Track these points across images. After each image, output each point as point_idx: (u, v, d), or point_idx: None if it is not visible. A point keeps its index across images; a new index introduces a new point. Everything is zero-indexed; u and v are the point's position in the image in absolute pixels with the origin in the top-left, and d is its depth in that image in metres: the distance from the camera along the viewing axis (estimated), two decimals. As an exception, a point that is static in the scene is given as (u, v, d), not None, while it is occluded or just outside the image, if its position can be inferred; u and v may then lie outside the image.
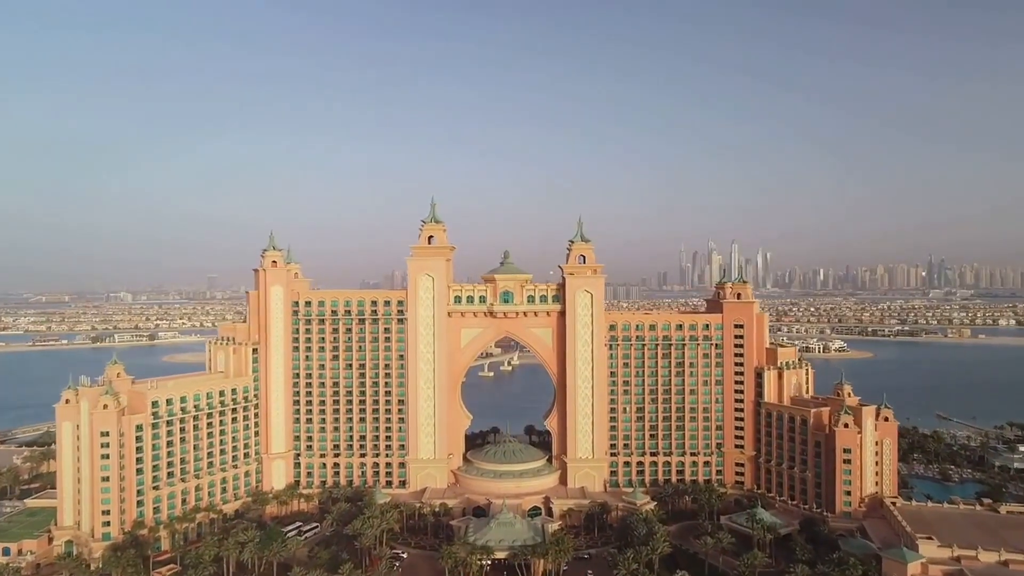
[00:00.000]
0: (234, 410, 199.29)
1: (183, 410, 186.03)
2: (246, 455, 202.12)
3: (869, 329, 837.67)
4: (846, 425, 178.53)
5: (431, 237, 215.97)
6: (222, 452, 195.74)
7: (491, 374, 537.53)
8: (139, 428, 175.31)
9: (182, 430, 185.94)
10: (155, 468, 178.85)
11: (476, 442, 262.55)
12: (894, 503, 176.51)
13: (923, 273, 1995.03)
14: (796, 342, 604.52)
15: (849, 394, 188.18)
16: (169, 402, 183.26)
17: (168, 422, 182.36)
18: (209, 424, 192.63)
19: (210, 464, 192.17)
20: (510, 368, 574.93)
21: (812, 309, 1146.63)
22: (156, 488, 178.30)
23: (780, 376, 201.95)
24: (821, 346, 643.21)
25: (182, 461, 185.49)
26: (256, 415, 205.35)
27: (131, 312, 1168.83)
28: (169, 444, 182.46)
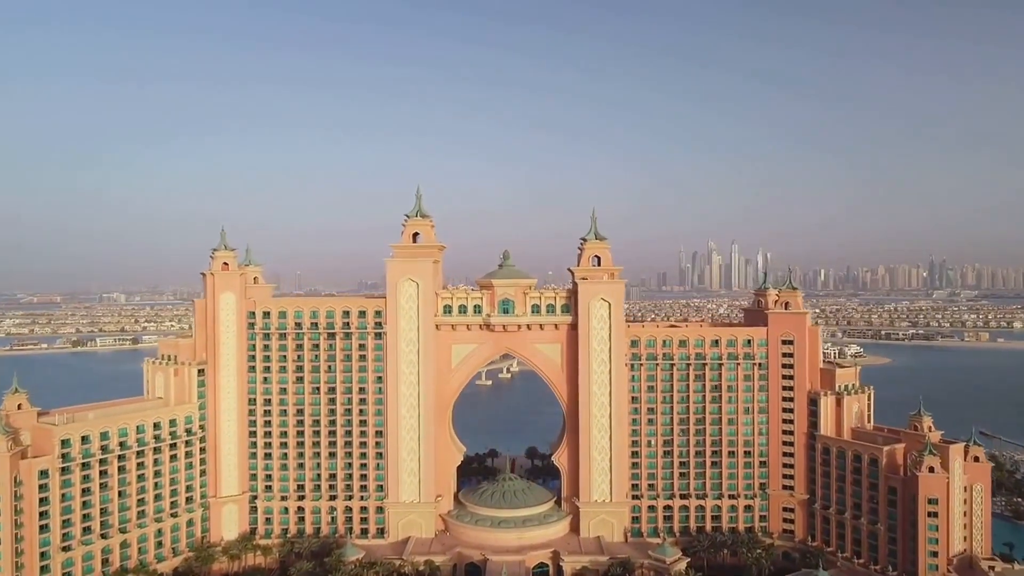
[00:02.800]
0: (173, 445, 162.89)
1: (104, 449, 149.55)
2: (189, 500, 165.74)
3: (882, 332, 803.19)
4: (931, 469, 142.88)
5: (416, 234, 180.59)
6: (157, 498, 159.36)
7: (489, 382, 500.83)
8: (44, 474, 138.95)
9: (103, 474, 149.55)
10: (66, 523, 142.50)
11: (471, 466, 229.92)
12: (992, 567, 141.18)
13: (924, 274, 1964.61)
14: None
15: (930, 428, 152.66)
16: (86, 440, 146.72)
17: (84, 465, 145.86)
18: (140, 465, 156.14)
19: (141, 514, 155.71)
20: (509, 376, 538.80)
21: (818, 311, 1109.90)
22: (67, 549, 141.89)
23: (839, 403, 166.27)
24: (836, 351, 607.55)
25: (103, 512, 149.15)
26: (202, 451, 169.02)
27: (121, 314, 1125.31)
28: (86, 492, 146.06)
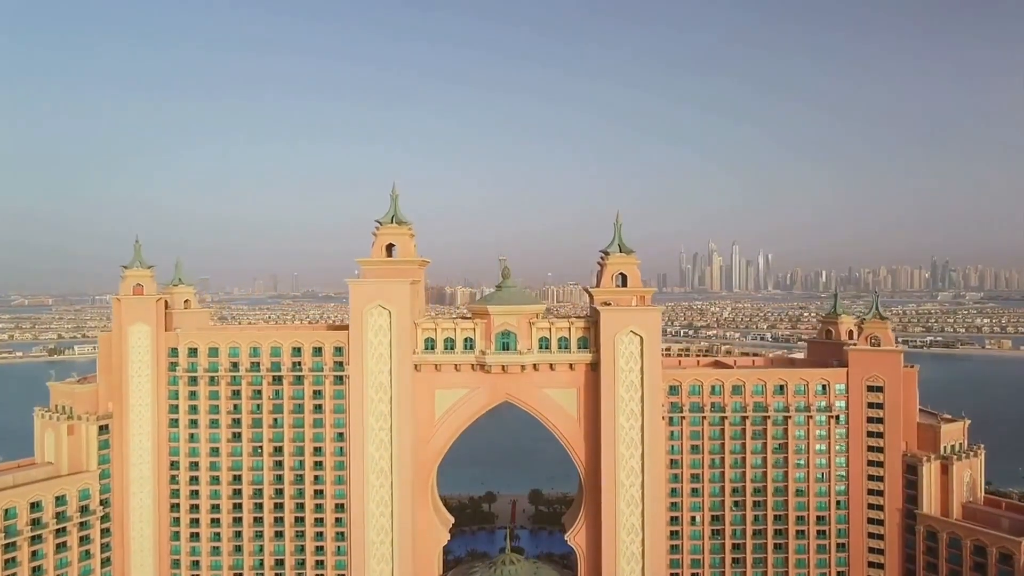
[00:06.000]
0: (62, 530, 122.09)
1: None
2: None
3: (897, 339, 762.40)
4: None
5: (390, 246, 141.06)
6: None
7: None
8: None
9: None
10: None
11: (465, 512, 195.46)
12: None
13: (927, 275, 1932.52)
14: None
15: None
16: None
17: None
18: (12, 561, 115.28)
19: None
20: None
21: (824, 314, 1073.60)
22: None
23: (945, 470, 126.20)
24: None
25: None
26: (105, 533, 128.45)
27: (110, 317, 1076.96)
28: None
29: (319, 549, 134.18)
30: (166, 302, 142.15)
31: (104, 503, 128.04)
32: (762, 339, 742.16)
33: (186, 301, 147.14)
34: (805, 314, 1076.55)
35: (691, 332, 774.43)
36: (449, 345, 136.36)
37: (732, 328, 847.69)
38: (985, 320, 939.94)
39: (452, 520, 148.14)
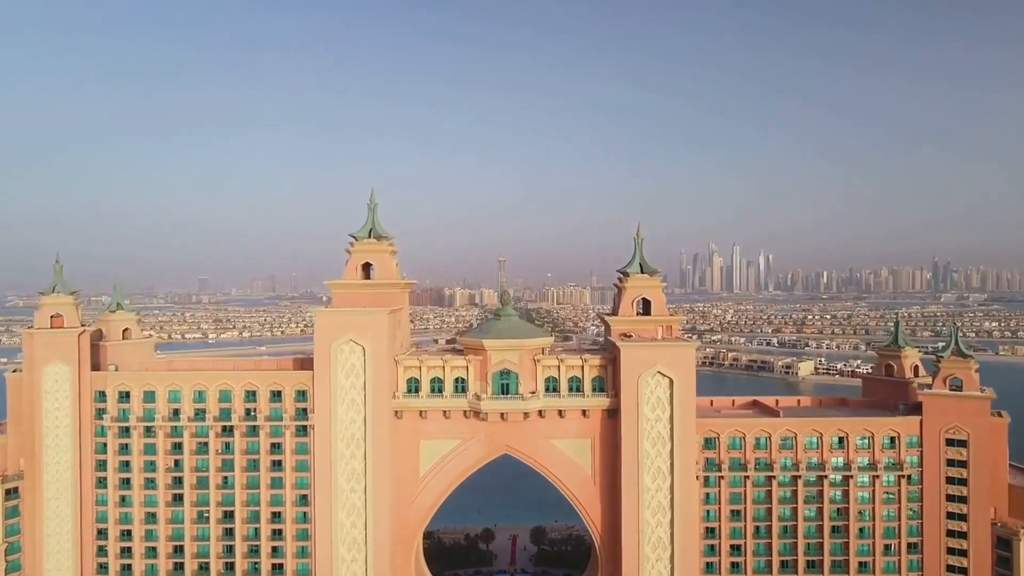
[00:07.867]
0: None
1: None
2: None
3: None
4: None
5: (367, 266, 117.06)
6: None
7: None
8: None
9: None
10: None
11: (460, 552, 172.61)
12: None
13: (928, 275, 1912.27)
14: (838, 363, 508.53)
15: None
16: None
17: None
18: None
19: None
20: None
21: (828, 317, 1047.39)
22: None
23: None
24: (868, 368, 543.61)
25: None
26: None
27: (96, 320, 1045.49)
28: None
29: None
30: (101, 332, 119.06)
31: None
32: (768, 344, 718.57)
33: (125, 330, 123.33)
34: (809, 316, 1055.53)
35: (694, 337, 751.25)
36: (436, 387, 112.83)
37: (736, 332, 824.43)
38: (994, 324, 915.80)
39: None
